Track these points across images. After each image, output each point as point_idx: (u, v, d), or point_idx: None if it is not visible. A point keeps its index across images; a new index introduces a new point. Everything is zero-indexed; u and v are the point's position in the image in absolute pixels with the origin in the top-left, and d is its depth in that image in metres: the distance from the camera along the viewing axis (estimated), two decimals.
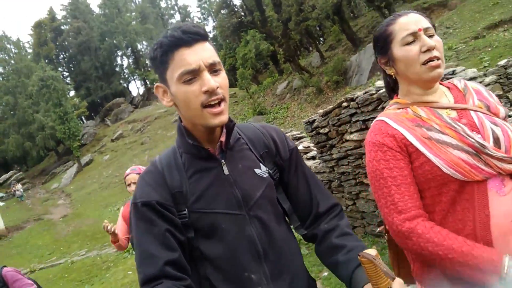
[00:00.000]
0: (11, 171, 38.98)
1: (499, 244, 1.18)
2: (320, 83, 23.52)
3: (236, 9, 27.22)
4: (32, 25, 54.79)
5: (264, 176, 1.28)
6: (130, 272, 7.94)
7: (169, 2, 72.88)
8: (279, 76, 31.22)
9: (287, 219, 1.40)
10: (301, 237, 1.39)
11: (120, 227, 3.63)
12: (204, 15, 64.04)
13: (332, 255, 1.21)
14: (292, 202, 1.36)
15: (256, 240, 1.20)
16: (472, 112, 1.31)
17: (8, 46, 44.64)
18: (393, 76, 1.46)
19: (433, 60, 1.29)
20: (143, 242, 1.13)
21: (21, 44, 50.97)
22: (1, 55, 44.19)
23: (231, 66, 32.88)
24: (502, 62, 7.14)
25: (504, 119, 1.37)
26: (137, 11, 61.22)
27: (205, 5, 64.76)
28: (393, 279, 0.98)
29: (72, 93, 52.53)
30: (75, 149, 34.59)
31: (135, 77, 60.70)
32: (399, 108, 1.41)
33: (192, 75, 1.09)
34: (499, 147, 1.22)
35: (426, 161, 1.25)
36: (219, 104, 1.12)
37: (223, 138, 1.24)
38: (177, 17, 73.56)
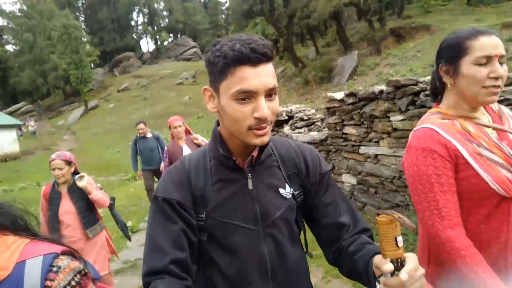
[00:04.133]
0: (22, 103, 42.58)
1: None
2: (308, 76, 26.96)
3: None
4: None
5: (287, 197, 1.25)
6: (132, 189, 11.70)
7: None
8: (279, 60, 34.50)
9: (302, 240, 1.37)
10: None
11: (42, 204, 3.63)
12: None
13: (351, 260, 1.15)
14: (318, 227, 1.31)
15: (266, 258, 1.19)
16: (510, 135, 1.40)
17: None
18: (444, 84, 1.48)
19: (496, 88, 1.34)
20: (155, 235, 1.14)
21: None
22: None
23: None
24: None
25: None
26: None
27: None
28: (414, 228, 0.92)
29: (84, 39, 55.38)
30: (84, 94, 37.95)
31: (147, 35, 63.53)
32: (443, 119, 1.44)
33: (248, 95, 1.05)
34: None
35: (475, 174, 1.31)
36: (265, 127, 1.09)
37: (255, 153, 1.22)
38: None
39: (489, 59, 1.33)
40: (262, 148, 1.23)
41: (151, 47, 63.96)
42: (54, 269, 0.86)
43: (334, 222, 1.27)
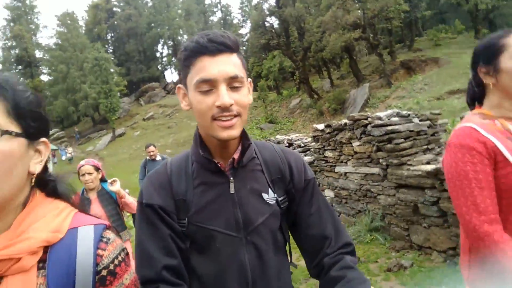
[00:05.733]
0: (55, 129, 45.40)
1: None
2: (322, 107, 28.33)
3: (266, 31, 32.09)
4: (90, 4, 61.68)
5: (271, 202, 1.22)
6: None
7: (212, 1, 78.58)
8: (296, 92, 35.94)
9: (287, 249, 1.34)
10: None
11: None
12: (244, 17, 69.25)
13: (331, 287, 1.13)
14: (301, 236, 1.28)
15: (247, 267, 1.15)
16: None
17: (69, 21, 50.91)
18: (483, 89, 1.52)
19: None
20: (144, 243, 1.13)
21: (75, 18, 57.35)
22: (62, 29, 50.62)
23: (257, 73, 38.05)
24: None
25: None
26: (183, 8, 67.12)
27: (246, 9, 70.06)
28: None
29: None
30: (112, 121, 40.21)
31: (171, 66, 66.82)
32: (484, 119, 1.46)
33: (209, 85, 1.06)
34: None
35: None
36: (231, 119, 1.08)
37: (236, 155, 1.19)
38: (219, 14, 79.04)
39: None
40: (244, 149, 1.20)
41: (175, 77, 67.14)
42: (104, 239, 0.87)
43: (317, 233, 1.24)
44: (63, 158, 33.32)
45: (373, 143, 5.08)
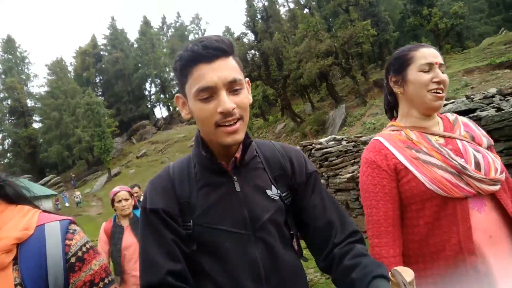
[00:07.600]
0: (51, 175, 46.53)
1: (480, 254, 1.31)
2: (305, 129, 29.46)
3: (247, 64, 33.87)
4: (78, 50, 64.26)
5: (275, 198, 1.23)
6: None
7: (196, 36, 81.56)
8: (280, 117, 37.55)
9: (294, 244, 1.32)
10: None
11: (102, 239, 3.72)
12: None
13: (347, 276, 1.09)
14: (308, 231, 1.28)
15: (258, 263, 1.15)
16: (457, 140, 1.47)
17: (58, 69, 53.01)
18: (396, 97, 1.61)
19: (439, 92, 1.45)
20: (147, 249, 1.13)
21: (65, 65, 59.45)
22: (52, 77, 52.79)
23: None
24: None
25: (488, 148, 1.50)
26: (168, 46, 69.82)
27: None
28: None
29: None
30: (107, 162, 41.36)
31: (160, 103, 68.98)
32: (394, 130, 1.56)
33: (209, 93, 1.06)
34: (480, 170, 1.37)
35: (413, 178, 1.39)
36: (234, 123, 1.09)
37: (238, 154, 1.20)
38: None
39: (430, 66, 1.46)
40: (245, 148, 1.21)
41: (164, 113, 69.02)
42: (71, 231, 0.94)
43: (323, 223, 1.24)
44: (67, 204, 33.65)
45: (317, 162, 6.75)
